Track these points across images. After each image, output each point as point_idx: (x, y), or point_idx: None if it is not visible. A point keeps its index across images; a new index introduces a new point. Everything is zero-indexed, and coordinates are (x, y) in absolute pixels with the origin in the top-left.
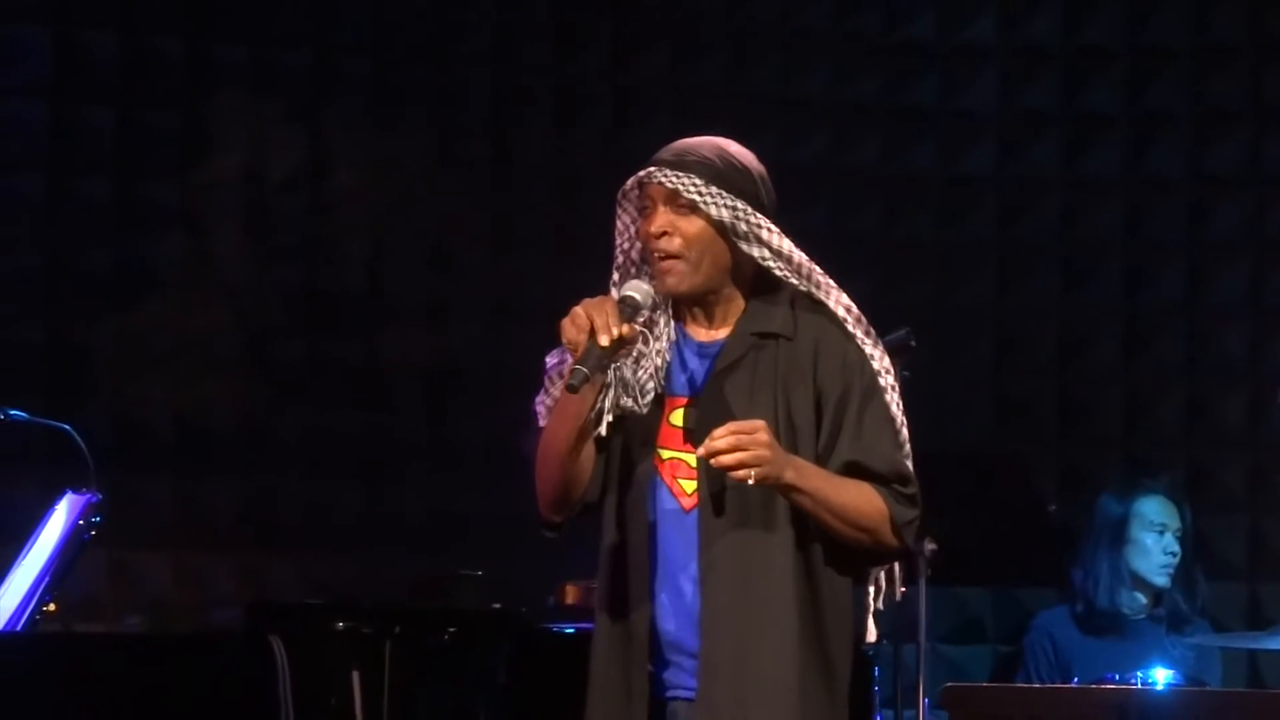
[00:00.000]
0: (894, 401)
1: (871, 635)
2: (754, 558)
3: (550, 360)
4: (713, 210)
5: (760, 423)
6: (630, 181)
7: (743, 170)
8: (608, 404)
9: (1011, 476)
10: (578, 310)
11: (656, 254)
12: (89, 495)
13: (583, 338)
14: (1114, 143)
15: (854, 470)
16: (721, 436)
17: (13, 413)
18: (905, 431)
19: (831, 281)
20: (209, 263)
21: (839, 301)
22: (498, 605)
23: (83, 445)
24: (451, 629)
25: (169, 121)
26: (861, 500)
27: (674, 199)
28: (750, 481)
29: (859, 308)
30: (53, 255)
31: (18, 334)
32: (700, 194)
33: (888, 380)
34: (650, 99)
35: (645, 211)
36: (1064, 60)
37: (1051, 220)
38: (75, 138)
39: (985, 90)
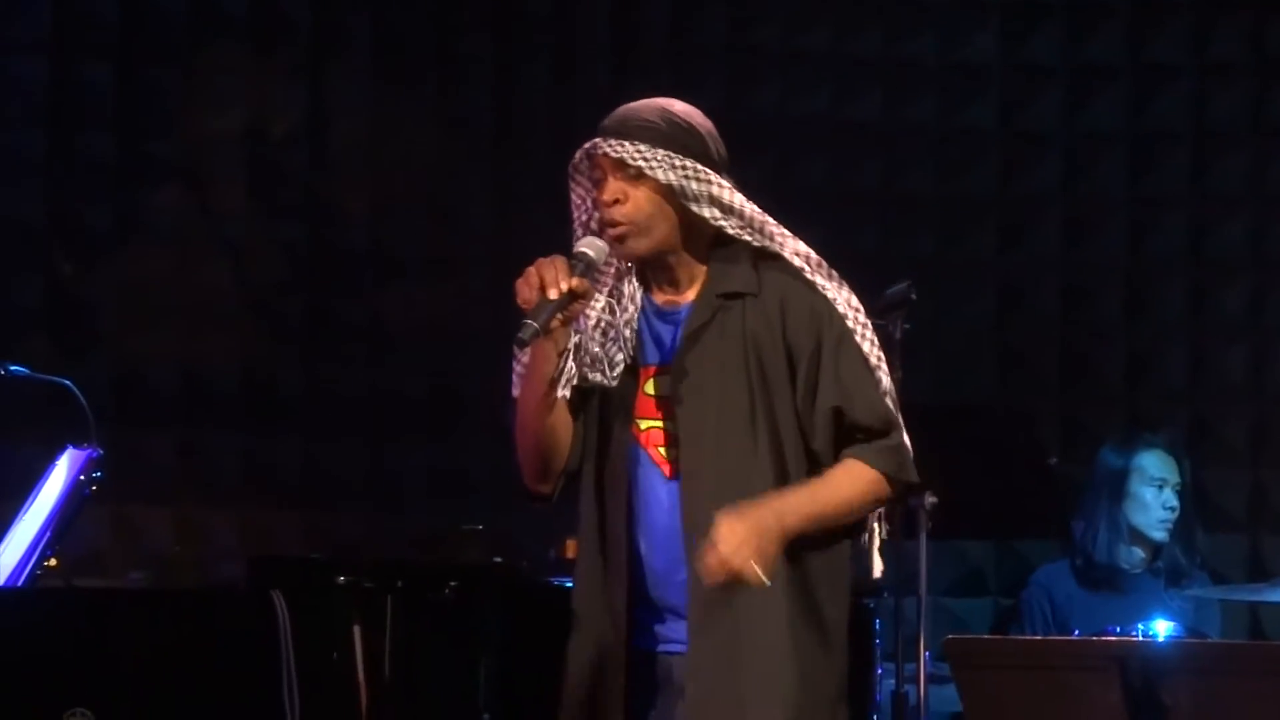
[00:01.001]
0: (867, 339)
1: (878, 570)
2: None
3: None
4: (660, 174)
5: (728, 524)
6: (578, 154)
7: (688, 129)
8: (569, 366)
9: (1013, 430)
10: (530, 269)
11: (609, 222)
12: (89, 451)
13: (536, 295)
14: (1116, 96)
15: (838, 416)
16: (710, 570)
17: (13, 368)
18: (884, 369)
19: (785, 231)
20: (210, 219)
21: (795, 252)
22: (499, 559)
23: (83, 401)
24: (453, 583)
25: (170, 77)
26: (855, 487)
27: (622, 167)
28: (766, 581)
29: (861, 262)
30: (54, 211)
31: (19, 290)
32: (645, 160)
33: (857, 320)
34: (650, 54)
35: (598, 182)
36: (1066, 8)
37: (1054, 174)
38: (76, 94)
39: (987, 42)
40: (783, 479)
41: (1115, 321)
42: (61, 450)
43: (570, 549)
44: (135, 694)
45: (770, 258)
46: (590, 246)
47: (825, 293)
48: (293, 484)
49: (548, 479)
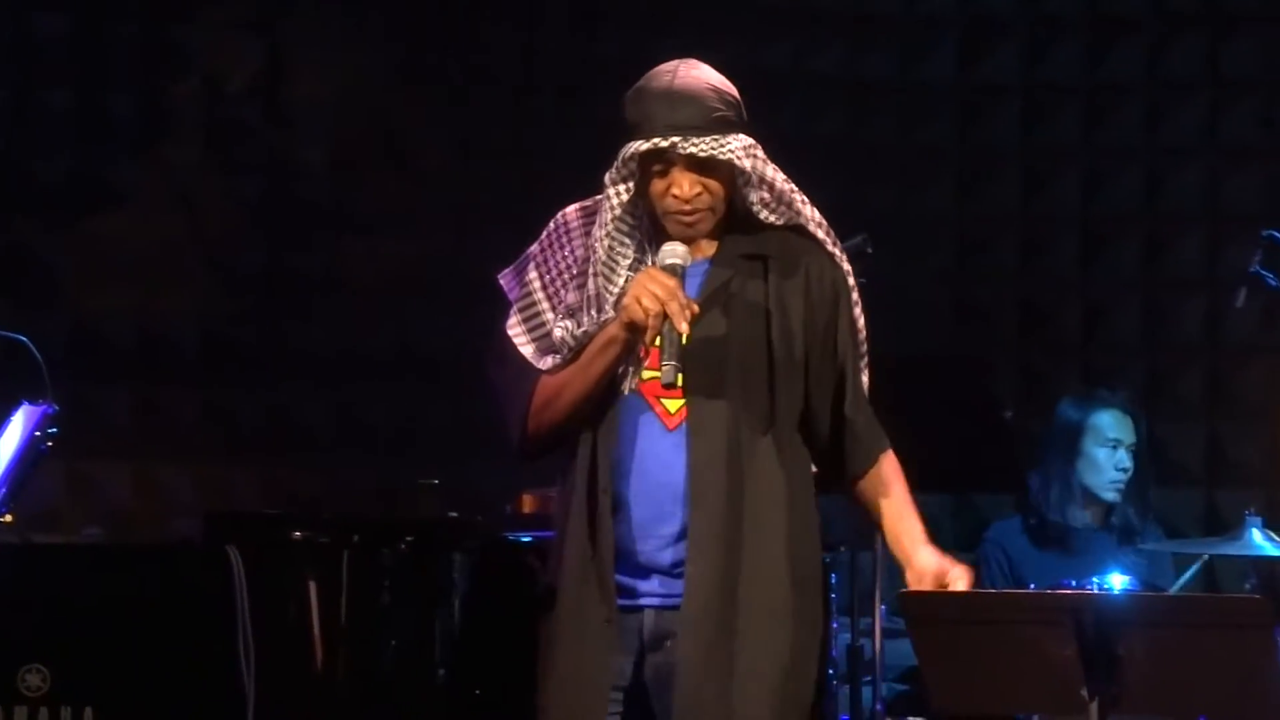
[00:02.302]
0: (858, 306)
1: None
2: (744, 476)
3: (506, 281)
4: (745, 164)
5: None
6: (645, 146)
7: (737, 104)
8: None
9: (969, 382)
10: (645, 291)
11: (684, 213)
12: (45, 406)
13: (654, 321)
14: (1073, 48)
15: (839, 389)
16: None
17: None
18: (863, 336)
19: (803, 197)
20: (168, 173)
21: (812, 219)
22: (455, 514)
23: (39, 356)
24: (409, 538)
25: (127, 32)
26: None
27: (700, 161)
28: None
29: (820, 214)
30: (11, 167)
31: None
32: (734, 154)
33: (854, 289)
34: (612, 5)
35: (658, 172)
36: None
37: (1011, 126)
38: (32, 49)
39: None
40: (784, 440)
41: (1071, 274)
42: (17, 406)
43: (527, 503)
44: (90, 650)
45: (792, 227)
46: (680, 257)
47: (840, 264)
48: (250, 439)
49: (553, 443)
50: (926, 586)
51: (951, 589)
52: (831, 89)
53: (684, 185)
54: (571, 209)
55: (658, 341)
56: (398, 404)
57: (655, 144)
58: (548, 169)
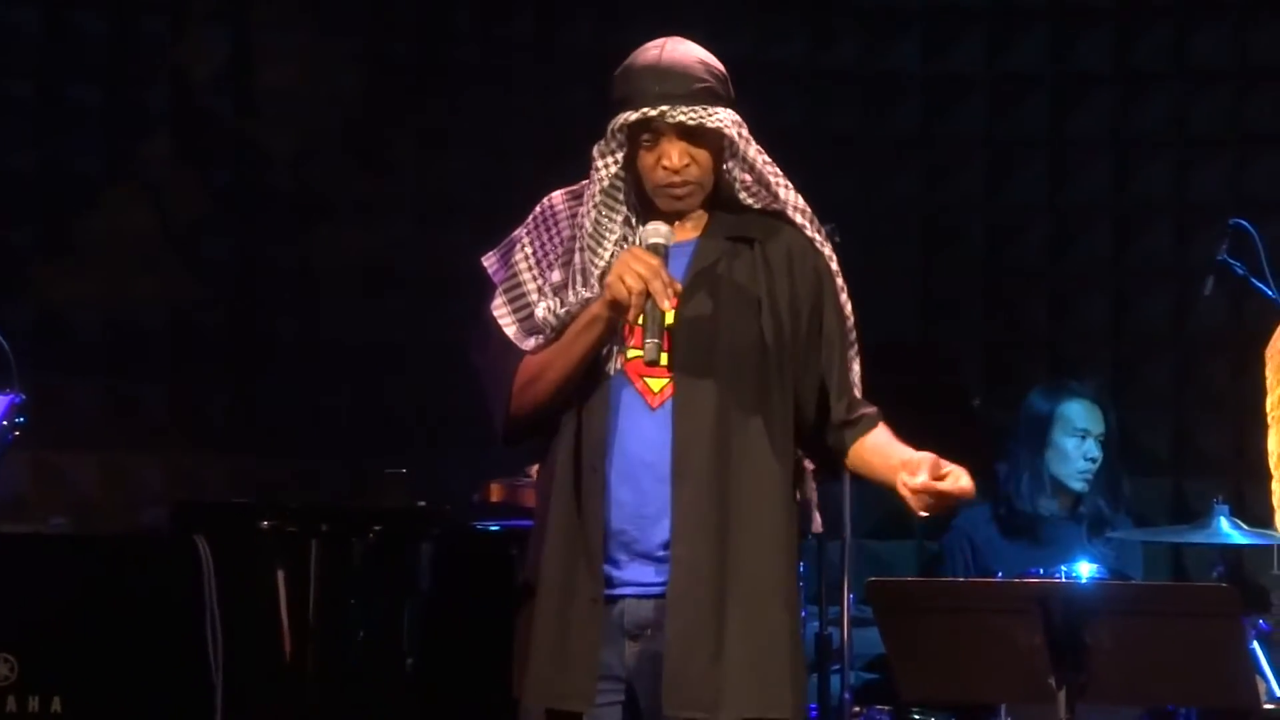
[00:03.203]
0: (843, 292)
1: (818, 525)
2: (732, 458)
3: (490, 264)
4: (732, 134)
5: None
6: (634, 116)
7: (722, 78)
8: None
9: (937, 371)
10: (628, 270)
11: (673, 184)
12: (12, 396)
13: (637, 299)
14: (1039, 38)
15: (825, 376)
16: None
17: None
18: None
19: (785, 182)
20: (135, 162)
21: (791, 203)
22: (423, 503)
23: (5, 345)
24: (376, 527)
25: (94, 21)
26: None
27: (690, 131)
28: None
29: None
30: None
31: None
32: (721, 122)
33: (838, 274)
34: None
35: (647, 143)
36: None
37: (978, 116)
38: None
39: None
40: (773, 420)
41: (1039, 263)
42: None
43: (494, 492)
44: (58, 640)
45: (772, 212)
46: (663, 236)
47: (822, 249)
48: (218, 429)
49: (537, 426)
50: (923, 473)
51: (950, 478)
52: (796, 78)
53: (673, 155)
54: (558, 194)
55: (640, 320)
56: (366, 394)
57: (644, 113)
58: (516, 160)
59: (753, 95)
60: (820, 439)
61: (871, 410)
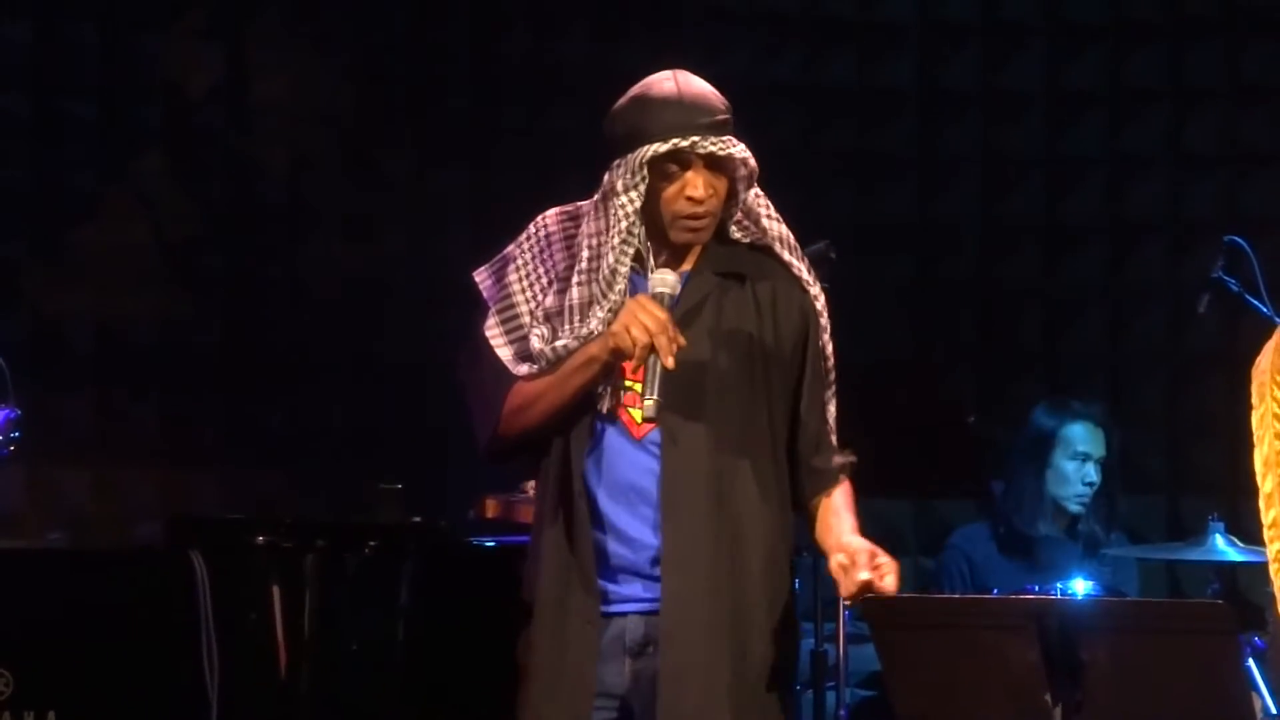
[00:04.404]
0: (826, 332)
1: None
2: (725, 492)
3: (483, 281)
4: (753, 163)
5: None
6: (665, 148)
7: (730, 110)
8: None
9: (931, 388)
10: (637, 321)
11: (694, 215)
12: (7, 411)
13: (641, 352)
14: (1034, 54)
15: (800, 417)
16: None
17: None
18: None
19: (772, 214)
20: (129, 177)
21: (778, 238)
22: (418, 519)
23: (0, 360)
24: (372, 543)
25: (88, 36)
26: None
27: (715, 163)
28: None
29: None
30: None
31: None
32: (747, 155)
33: (823, 314)
34: (568, 11)
35: (671, 174)
36: None
37: (973, 132)
38: None
39: (904, 2)
40: (759, 444)
41: (1034, 280)
42: None
43: (489, 508)
44: (53, 655)
45: (760, 246)
46: (669, 286)
47: (809, 288)
48: (213, 443)
49: (522, 449)
50: (860, 563)
51: (885, 572)
52: (790, 95)
53: (699, 186)
54: (551, 214)
55: (638, 369)
56: (360, 408)
57: (675, 144)
58: (507, 174)
59: (746, 114)
60: (794, 474)
61: (839, 463)
